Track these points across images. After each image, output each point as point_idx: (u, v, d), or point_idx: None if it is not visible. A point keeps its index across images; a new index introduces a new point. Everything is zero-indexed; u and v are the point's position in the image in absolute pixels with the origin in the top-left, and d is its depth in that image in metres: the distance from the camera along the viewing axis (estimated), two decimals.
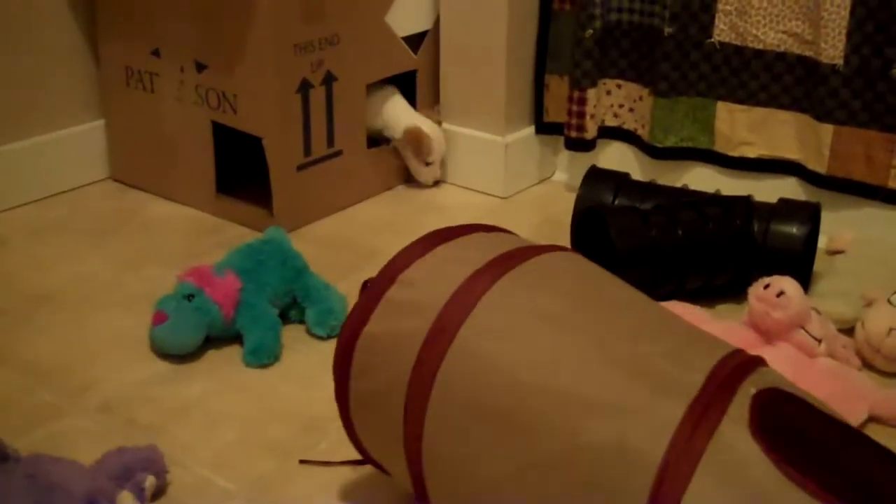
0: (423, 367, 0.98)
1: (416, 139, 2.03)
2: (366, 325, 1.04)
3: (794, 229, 1.60)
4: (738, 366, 0.90)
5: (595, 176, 1.77)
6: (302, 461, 1.26)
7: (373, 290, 1.05)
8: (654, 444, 0.83)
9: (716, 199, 1.69)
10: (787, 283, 1.41)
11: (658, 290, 1.58)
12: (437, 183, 2.11)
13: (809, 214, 1.63)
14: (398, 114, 2.06)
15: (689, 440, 0.82)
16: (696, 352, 0.94)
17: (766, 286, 1.41)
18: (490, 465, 0.93)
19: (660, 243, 1.58)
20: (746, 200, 1.66)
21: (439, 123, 2.10)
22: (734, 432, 0.83)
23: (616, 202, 1.72)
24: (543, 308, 0.98)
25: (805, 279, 1.60)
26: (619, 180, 1.76)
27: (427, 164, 2.07)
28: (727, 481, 0.81)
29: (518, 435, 0.91)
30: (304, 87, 1.86)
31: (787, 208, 1.65)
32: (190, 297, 1.47)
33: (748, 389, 0.87)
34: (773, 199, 1.69)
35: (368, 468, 1.24)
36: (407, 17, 2.04)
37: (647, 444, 0.84)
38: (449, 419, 0.96)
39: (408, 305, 1.02)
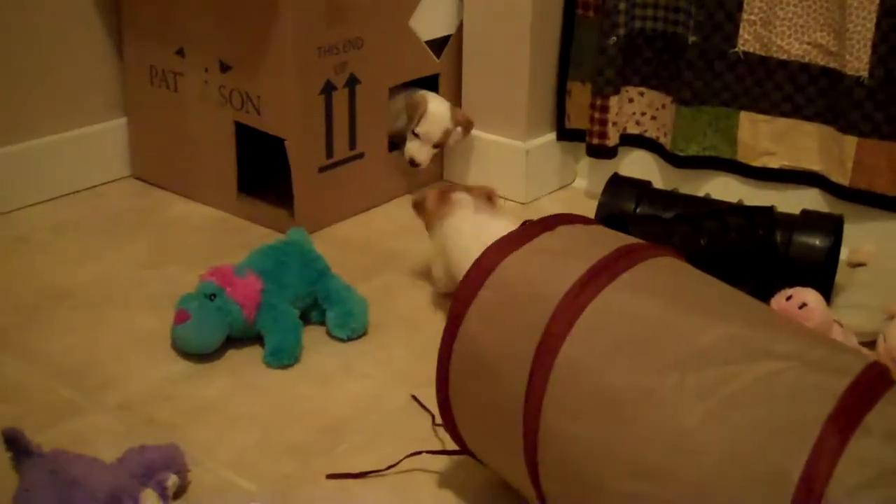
0: (585, 286, 1.02)
1: (413, 105, 2.00)
2: (517, 250, 1.10)
3: (816, 241, 1.60)
4: (886, 367, 0.96)
5: (617, 184, 1.77)
6: (329, 476, 1.24)
7: (532, 228, 1.12)
8: (836, 380, 0.88)
9: (738, 209, 1.69)
10: (810, 295, 1.40)
11: None
12: (415, 165, 1.99)
13: (832, 226, 1.63)
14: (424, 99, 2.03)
15: (872, 382, 0.88)
16: (848, 345, 1.04)
17: (789, 298, 1.41)
18: (644, 376, 0.95)
19: (682, 252, 1.58)
20: (769, 211, 1.66)
21: (466, 124, 2.05)
22: None
23: (638, 210, 1.72)
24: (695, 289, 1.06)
25: (827, 291, 1.59)
26: (641, 188, 1.76)
27: (415, 133, 2.00)
28: None
29: (683, 358, 0.95)
30: (328, 90, 1.86)
31: (809, 220, 1.65)
32: (212, 296, 1.47)
33: None
34: (795, 210, 1.69)
35: (391, 475, 1.24)
36: (430, 21, 2.05)
37: (830, 379, 0.89)
38: (602, 334, 1.00)
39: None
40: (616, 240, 1.11)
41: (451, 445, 1.22)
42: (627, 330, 0.99)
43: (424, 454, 1.26)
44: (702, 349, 0.94)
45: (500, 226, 1.42)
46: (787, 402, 0.88)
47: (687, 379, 0.93)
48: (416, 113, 2.00)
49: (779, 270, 1.60)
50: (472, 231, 1.56)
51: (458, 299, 1.10)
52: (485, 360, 1.08)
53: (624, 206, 1.73)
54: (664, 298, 1.01)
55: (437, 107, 2.01)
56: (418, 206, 1.70)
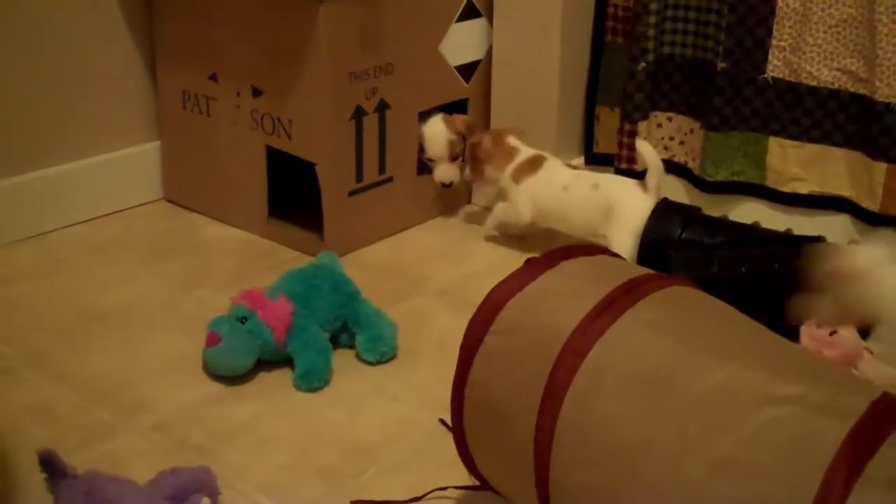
0: (587, 329, 1.01)
1: (420, 137, 2.04)
2: (521, 291, 1.08)
3: None
4: None
5: (665, 208, 1.76)
6: (354, 502, 1.25)
7: (534, 267, 1.11)
8: (838, 425, 0.87)
9: (786, 237, 1.67)
10: None
11: None
12: (446, 186, 2.05)
13: None
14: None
15: (876, 423, 0.87)
16: (856, 380, 1.00)
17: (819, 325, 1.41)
18: (645, 427, 0.95)
19: (721, 279, 1.57)
20: (818, 241, 1.64)
21: (466, 129, 2.05)
22: None
23: (683, 236, 1.71)
24: (695, 326, 1.03)
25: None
26: (688, 214, 1.75)
27: (429, 160, 2.05)
28: None
29: (683, 405, 0.94)
30: (358, 115, 1.88)
31: None
32: (243, 319, 1.49)
33: None
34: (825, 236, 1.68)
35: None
36: (460, 46, 2.06)
37: (832, 424, 0.87)
38: (605, 380, 0.98)
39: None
40: (619, 273, 1.10)
41: None
42: (630, 375, 0.98)
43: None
44: (704, 394, 0.94)
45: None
46: (790, 451, 0.87)
47: (690, 427, 0.92)
48: (420, 142, 2.04)
49: None
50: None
51: (465, 345, 1.11)
52: (495, 408, 1.08)
53: (670, 230, 1.72)
54: (667, 337, 1.00)
55: (431, 127, 2.03)
56: (475, 148, 1.95)
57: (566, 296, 1.07)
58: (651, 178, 1.79)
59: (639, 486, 0.94)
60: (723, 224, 1.75)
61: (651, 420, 0.95)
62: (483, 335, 1.09)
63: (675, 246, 1.62)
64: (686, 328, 1.02)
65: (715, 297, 1.55)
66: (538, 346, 1.04)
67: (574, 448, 1.00)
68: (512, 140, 1.95)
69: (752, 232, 1.73)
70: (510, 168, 1.93)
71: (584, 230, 1.86)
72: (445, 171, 2.04)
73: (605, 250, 1.20)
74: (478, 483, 1.21)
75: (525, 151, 1.94)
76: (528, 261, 1.14)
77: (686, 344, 0.99)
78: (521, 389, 1.04)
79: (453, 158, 2.04)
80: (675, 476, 0.91)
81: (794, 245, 1.63)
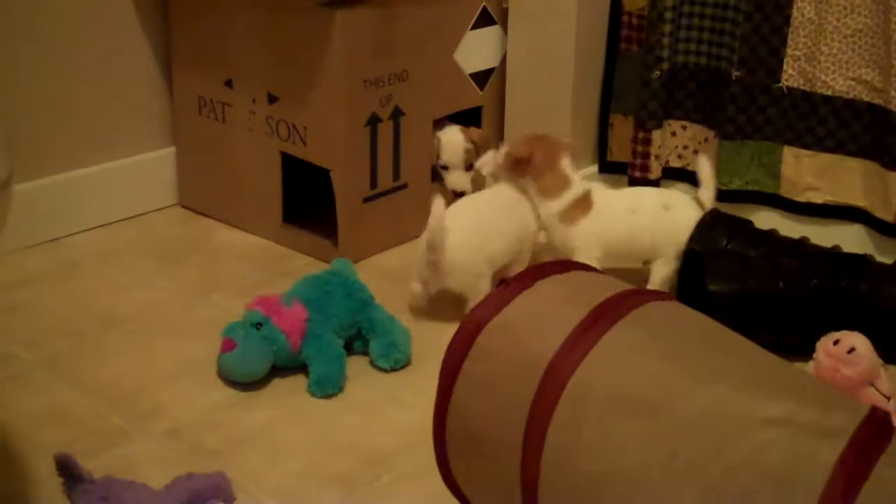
0: (568, 354, 0.99)
1: (434, 145, 2.04)
2: (496, 316, 1.05)
3: None
4: (886, 413, 0.92)
5: (713, 220, 1.74)
6: None
7: (510, 288, 1.07)
8: (828, 448, 0.85)
9: (828, 254, 1.65)
10: (858, 340, 1.39)
11: (753, 341, 1.55)
12: (458, 194, 2.00)
13: None
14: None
15: (866, 443, 0.85)
16: (841, 396, 0.97)
17: (836, 342, 1.39)
18: (633, 456, 0.93)
19: (757, 292, 1.56)
20: (863, 259, 1.62)
21: (481, 141, 2.06)
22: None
23: (728, 248, 1.69)
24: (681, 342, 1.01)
25: None
26: (736, 226, 1.73)
27: (443, 167, 2.05)
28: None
29: (671, 430, 0.92)
30: (373, 122, 1.88)
31: None
32: (258, 325, 1.49)
33: None
34: (844, 246, 1.68)
35: None
36: (474, 54, 2.07)
37: (822, 447, 0.85)
38: (589, 407, 0.96)
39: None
40: (597, 291, 1.06)
41: None
42: (614, 402, 0.96)
43: None
44: (690, 418, 0.92)
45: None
46: (780, 478, 0.85)
47: (678, 455, 0.90)
48: (435, 149, 2.03)
49: (862, 321, 1.52)
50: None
51: (444, 373, 1.08)
52: (479, 440, 1.05)
53: (715, 242, 1.70)
54: (649, 359, 0.98)
55: (449, 136, 2.04)
56: (520, 162, 1.77)
57: (544, 319, 1.04)
58: (704, 193, 1.77)
59: None
60: (769, 237, 1.72)
61: (638, 449, 0.93)
62: (461, 362, 1.06)
63: (713, 257, 1.60)
64: (668, 348, 1.00)
65: (750, 309, 1.54)
66: (518, 374, 1.02)
67: (561, 481, 0.97)
68: (566, 165, 1.77)
69: (799, 246, 1.70)
70: (559, 204, 1.75)
71: (647, 254, 1.77)
72: (459, 179, 2.04)
73: (578, 265, 1.16)
74: None
75: (576, 186, 1.76)
76: (501, 282, 1.11)
77: (669, 365, 0.97)
78: (504, 421, 1.02)
79: (467, 167, 2.05)
80: None
81: (837, 262, 1.60)
